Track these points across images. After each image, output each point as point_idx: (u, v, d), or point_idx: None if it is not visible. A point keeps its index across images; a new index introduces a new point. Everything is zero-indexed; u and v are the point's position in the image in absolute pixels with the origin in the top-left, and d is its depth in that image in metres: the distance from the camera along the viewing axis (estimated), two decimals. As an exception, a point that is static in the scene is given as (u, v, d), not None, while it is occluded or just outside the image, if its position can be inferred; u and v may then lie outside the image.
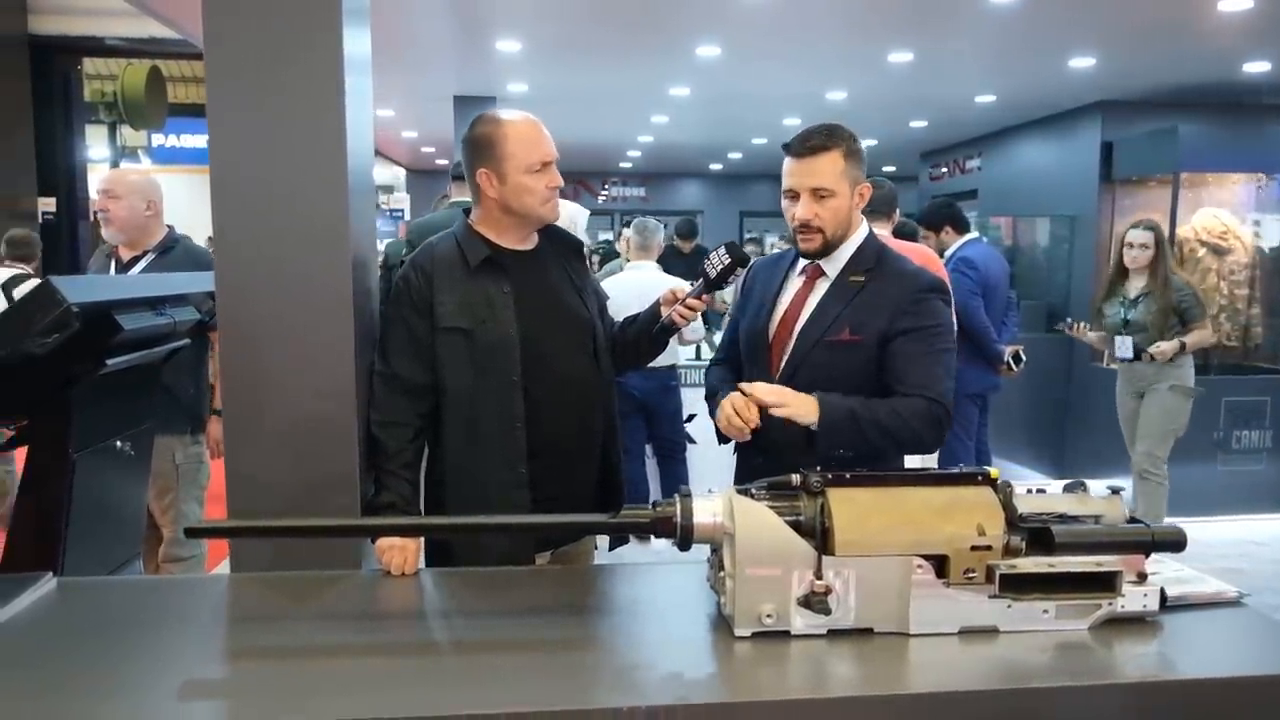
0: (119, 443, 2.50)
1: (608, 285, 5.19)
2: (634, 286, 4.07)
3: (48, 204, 8.34)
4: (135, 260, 3.05)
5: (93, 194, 3.06)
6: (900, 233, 4.12)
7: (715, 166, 14.77)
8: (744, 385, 1.72)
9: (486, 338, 1.76)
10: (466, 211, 1.91)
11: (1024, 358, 4.69)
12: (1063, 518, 1.37)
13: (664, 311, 1.90)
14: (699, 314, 1.93)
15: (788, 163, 1.84)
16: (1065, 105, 7.40)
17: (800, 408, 1.68)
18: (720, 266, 1.86)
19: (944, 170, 10.41)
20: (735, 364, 2.01)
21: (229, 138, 1.66)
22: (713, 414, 1.84)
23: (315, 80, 1.65)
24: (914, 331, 1.77)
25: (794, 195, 1.84)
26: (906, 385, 1.75)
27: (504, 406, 1.77)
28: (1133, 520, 1.38)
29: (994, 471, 1.39)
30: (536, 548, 1.82)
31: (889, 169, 13.39)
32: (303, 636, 1.36)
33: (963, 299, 4.47)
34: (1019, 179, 8.62)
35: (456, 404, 1.78)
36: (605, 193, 16.04)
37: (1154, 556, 1.38)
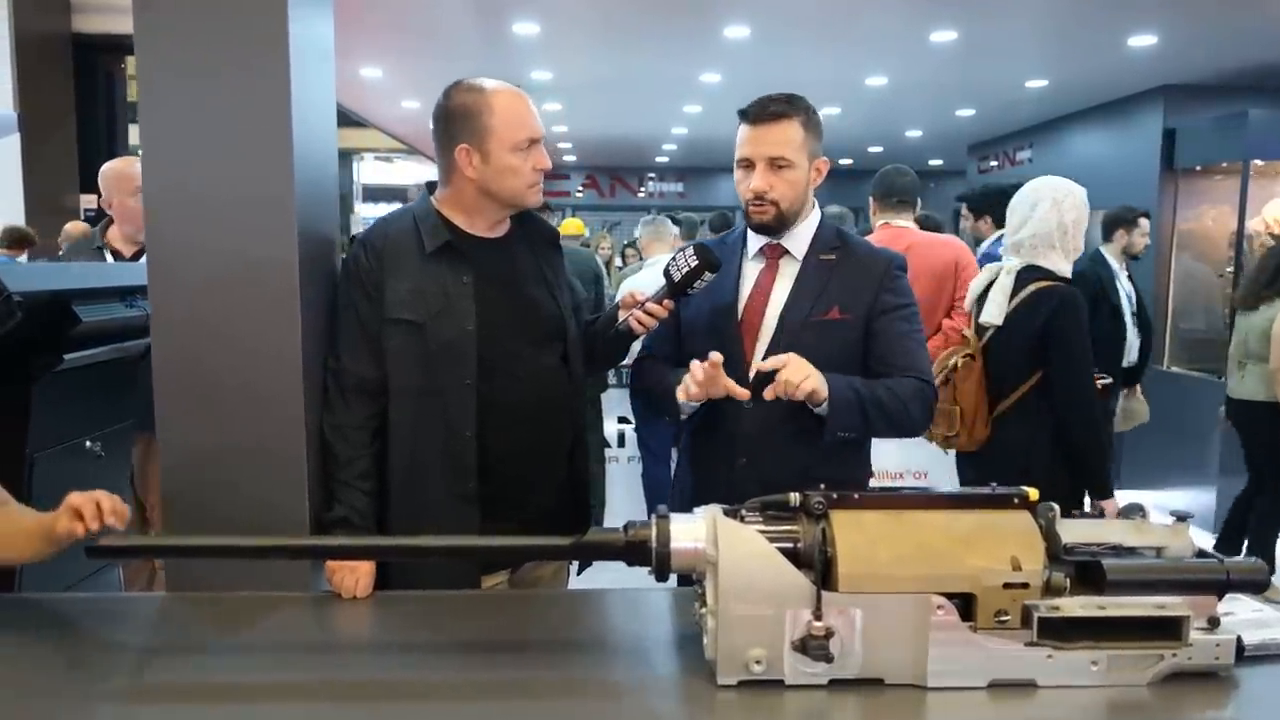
0: (89, 442, 2.39)
1: (628, 285, 5.06)
2: (656, 283, 3.91)
3: (89, 201, 8.43)
4: (138, 256, 2.93)
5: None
6: (923, 225, 3.89)
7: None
8: (768, 362, 1.58)
9: (439, 333, 1.58)
10: (431, 187, 1.74)
11: None
12: (1117, 549, 1.17)
13: (621, 315, 1.72)
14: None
15: (743, 130, 1.75)
16: (1124, 90, 7.09)
17: (818, 382, 1.57)
18: (686, 269, 1.68)
19: (994, 164, 10.11)
20: (674, 360, 1.83)
21: (163, 119, 1.51)
22: (654, 411, 1.70)
23: (257, 61, 1.50)
24: (896, 310, 1.75)
25: (749, 165, 1.74)
26: (896, 366, 1.71)
27: (453, 412, 1.59)
28: (1202, 554, 1.17)
29: (1032, 492, 1.18)
30: (484, 569, 1.64)
31: (935, 163, 13.09)
32: (220, 671, 1.21)
33: None
34: (1073, 171, 8.12)
35: (401, 407, 1.60)
36: (644, 190, 15.89)
37: (1230, 596, 1.16)
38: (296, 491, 1.54)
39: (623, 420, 5.31)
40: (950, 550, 1.12)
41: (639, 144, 12.35)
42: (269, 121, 1.49)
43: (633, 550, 1.18)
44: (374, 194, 15.02)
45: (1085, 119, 8.04)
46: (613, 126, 10.10)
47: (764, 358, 1.66)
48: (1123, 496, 5.58)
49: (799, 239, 1.79)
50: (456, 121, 1.62)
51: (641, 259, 5.05)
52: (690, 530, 1.17)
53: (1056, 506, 1.18)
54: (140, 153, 1.50)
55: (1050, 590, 1.12)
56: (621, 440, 5.39)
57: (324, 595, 1.50)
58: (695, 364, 1.59)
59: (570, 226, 8.08)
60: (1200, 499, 5.31)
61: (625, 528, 1.19)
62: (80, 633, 1.37)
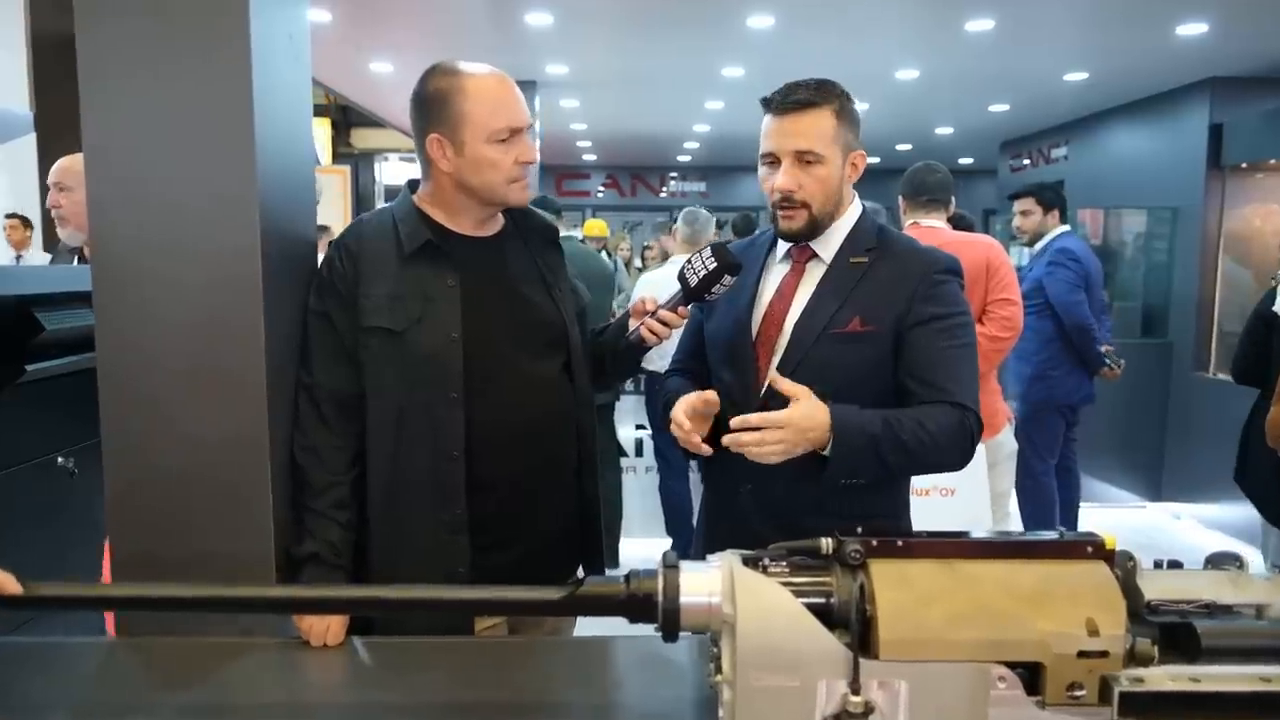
0: (61, 459, 2.28)
1: (645, 282, 4.90)
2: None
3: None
4: None
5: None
6: (957, 225, 3.73)
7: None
8: (782, 384, 1.42)
9: (420, 342, 1.44)
10: (412, 185, 1.59)
11: (1122, 359, 4.25)
12: (1210, 608, 1.00)
13: (632, 324, 1.57)
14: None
15: (767, 121, 1.57)
16: (1168, 84, 6.84)
17: (805, 437, 1.37)
18: (704, 273, 1.53)
19: (1026, 161, 9.87)
20: (699, 375, 1.69)
21: (108, 107, 1.36)
22: (665, 427, 1.55)
23: (214, 49, 1.35)
24: (937, 321, 1.53)
25: (773, 161, 1.57)
26: (931, 388, 1.48)
27: (438, 430, 1.44)
28: (1316, 615, 0.99)
29: (1109, 539, 1.01)
30: (479, 611, 1.49)
31: (965, 161, 12.85)
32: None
33: (1064, 294, 4.08)
34: (1112, 168, 8.07)
35: (380, 426, 1.46)
36: (665, 189, 15.73)
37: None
38: (260, 523, 1.40)
39: (640, 427, 5.16)
40: (1014, 610, 0.96)
41: (660, 142, 12.19)
42: (228, 114, 1.35)
43: (635, 604, 1.02)
44: (395, 194, 14.96)
45: (1125, 114, 7.78)
46: (632, 124, 9.94)
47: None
48: (1165, 509, 5.34)
49: (829, 241, 1.61)
50: (428, 108, 1.48)
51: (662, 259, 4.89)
52: (703, 582, 1.01)
53: (1136, 556, 1.01)
54: (83, 147, 1.35)
55: (1133, 659, 0.95)
56: (640, 449, 5.23)
57: (293, 641, 1.36)
58: (677, 410, 1.44)
59: (592, 228, 7.94)
60: (1246, 514, 5.09)
61: (627, 578, 1.04)
62: (6, 685, 1.23)
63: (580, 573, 1.62)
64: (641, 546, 4.90)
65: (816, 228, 1.58)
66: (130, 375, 1.37)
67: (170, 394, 1.37)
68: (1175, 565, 1.06)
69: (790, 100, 1.54)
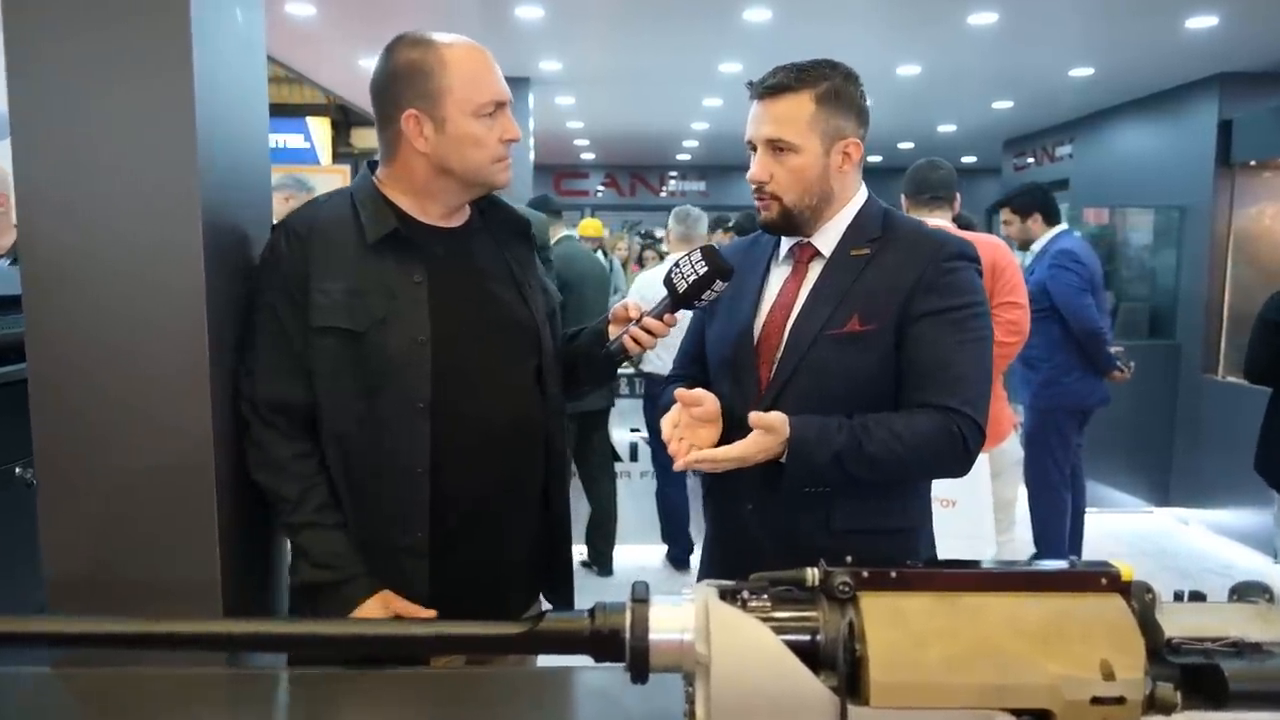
0: (19, 469, 2.19)
1: (641, 282, 4.82)
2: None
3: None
4: None
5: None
6: (960, 225, 3.66)
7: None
8: (691, 456, 1.39)
9: (384, 345, 1.32)
10: (371, 164, 1.47)
11: (1132, 361, 4.19)
12: (1237, 646, 0.91)
13: (613, 332, 1.48)
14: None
15: (751, 107, 1.51)
16: (1176, 79, 6.77)
17: (759, 456, 1.35)
18: (694, 277, 1.44)
19: (1030, 160, 9.80)
20: (700, 381, 1.61)
21: (34, 98, 1.28)
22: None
23: (150, 40, 1.27)
24: (941, 314, 1.43)
25: (753, 148, 1.50)
26: (922, 390, 1.40)
27: (402, 445, 1.33)
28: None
29: (1126, 570, 0.92)
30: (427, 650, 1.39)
31: (968, 160, 12.78)
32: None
33: (1070, 297, 4.00)
34: (1118, 166, 7.99)
35: (334, 439, 1.35)
36: (665, 189, 15.65)
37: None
38: (204, 542, 1.31)
39: (635, 430, 5.07)
40: (1020, 650, 0.87)
41: (659, 140, 12.12)
42: (166, 101, 1.26)
43: (600, 641, 0.93)
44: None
45: (1132, 111, 7.71)
46: (630, 122, 9.86)
47: (772, 384, 1.42)
48: (1172, 514, 5.27)
49: (829, 234, 1.51)
50: (402, 82, 1.36)
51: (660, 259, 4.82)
52: (675, 618, 0.92)
53: (1155, 589, 0.92)
54: (11, 139, 1.26)
55: (1153, 705, 0.86)
56: (634, 454, 5.14)
57: (244, 673, 1.27)
58: (666, 420, 1.40)
59: (587, 228, 7.85)
60: (1257, 519, 5.02)
61: (591, 612, 0.94)
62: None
63: (543, 603, 1.53)
64: (637, 553, 4.81)
65: (792, 221, 1.49)
66: (62, 386, 1.28)
67: (105, 406, 1.28)
68: (1197, 596, 0.97)
69: (765, 85, 1.47)
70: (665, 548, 4.75)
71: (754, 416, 1.33)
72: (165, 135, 1.26)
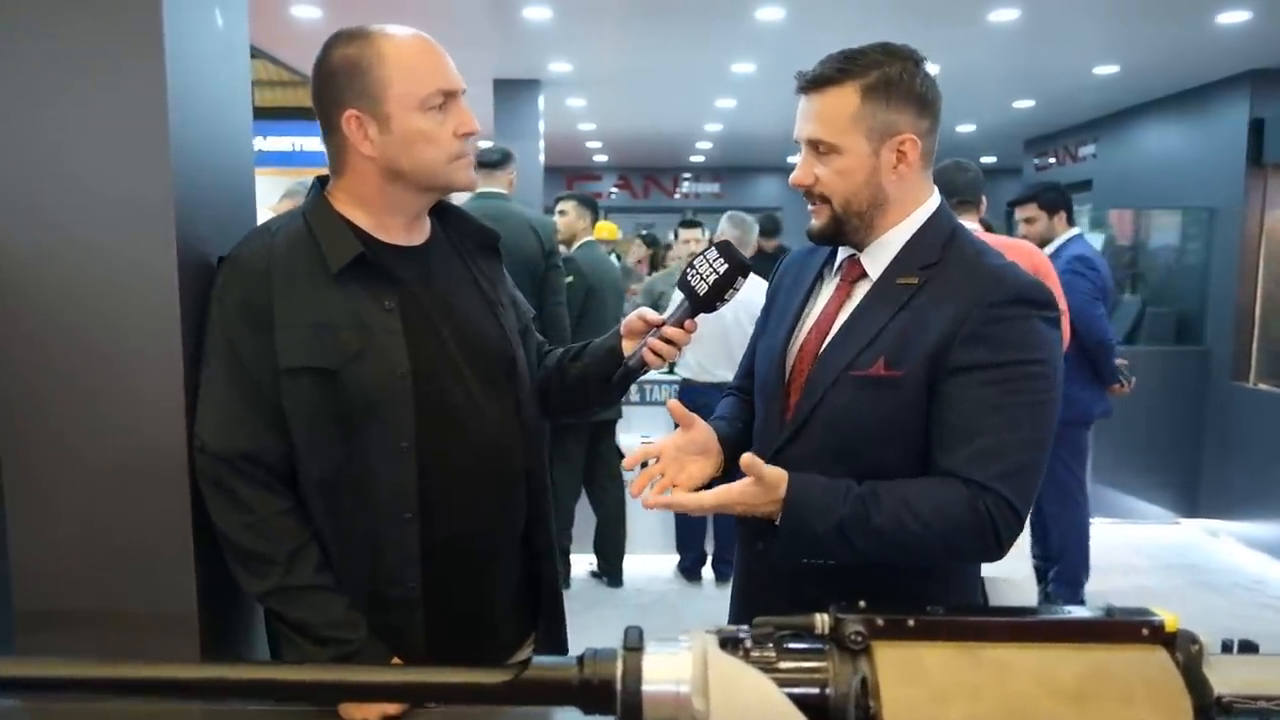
0: None
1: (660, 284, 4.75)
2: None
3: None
4: None
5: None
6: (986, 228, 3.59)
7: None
8: (661, 498, 1.26)
9: (361, 381, 1.22)
10: (321, 181, 1.34)
11: (1133, 376, 4.11)
12: (1295, 704, 0.82)
13: (628, 346, 1.38)
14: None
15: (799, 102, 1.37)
16: (1204, 77, 6.64)
17: (757, 510, 1.21)
18: (714, 278, 1.33)
19: (1051, 160, 9.68)
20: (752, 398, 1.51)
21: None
22: None
23: (123, 24, 1.20)
24: (982, 370, 1.23)
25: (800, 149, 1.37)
26: (950, 457, 1.22)
27: (386, 491, 1.23)
28: None
29: (1170, 619, 0.84)
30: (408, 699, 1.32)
31: (988, 160, 12.65)
32: None
33: (1085, 307, 3.90)
34: (1144, 167, 7.86)
35: (312, 490, 1.24)
36: (679, 191, 15.59)
37: None
38: (179, 568, 1.25)
39: (646, 438, 5.00)
40: (1052, 711, 0.79)
41: (672, 142, 12.06)
42: (138, 109, 1.20)
43: (590, 693, 0.86)
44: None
45: (1157, 110, 7.58)
46: (642, 123, 9.79)
47: (792, 423, 1.32)
48: (1201, 526, 5.16)
49: (879, 254, 1.35)
50: (340, 81, 1.25)
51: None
52: (670, 667, 0.84)
53: (1202, 639, 0.84)
54: None
55: (1203, 772, 0.78)
56: (645, 461, 5.07)
57: (217, 711, 1.20)
58: (642, 449, 1.32)
59: (601, 230, 7.79)
60: (1289, 532, 4.91)
61: (580, 660, 0.87)
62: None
63: (531, 648, 1.44)
64: (648, 563, 4.74)
65: (844, 228, 1.34)
66: (29, 404, 1.22)
67: (74, 419, 1.23)
68: (1248, 647, 0.89)
69: (809, 77, 1.33)
70: (677, 557, 4.68)
71: (747, 460, 1.17)
72: (135, 137, 1.19)
